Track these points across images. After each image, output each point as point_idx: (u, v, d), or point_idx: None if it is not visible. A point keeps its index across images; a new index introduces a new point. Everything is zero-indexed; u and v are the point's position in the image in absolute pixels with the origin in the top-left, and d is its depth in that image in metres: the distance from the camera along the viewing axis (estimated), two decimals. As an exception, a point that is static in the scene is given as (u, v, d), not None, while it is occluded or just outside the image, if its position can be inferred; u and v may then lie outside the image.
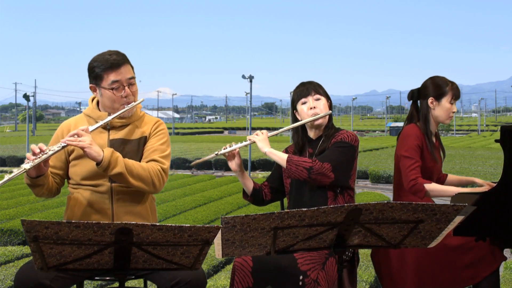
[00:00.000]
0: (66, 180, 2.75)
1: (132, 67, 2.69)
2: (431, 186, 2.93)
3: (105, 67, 2.61)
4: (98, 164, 2.46)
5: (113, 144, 2.65)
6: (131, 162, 2.55)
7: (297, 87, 2.94)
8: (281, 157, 2.80)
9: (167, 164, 2.66)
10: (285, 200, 3.11)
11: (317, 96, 2.87)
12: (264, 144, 2.83)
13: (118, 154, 2.52)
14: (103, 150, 2.48)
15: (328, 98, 2.91)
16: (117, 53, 2.67)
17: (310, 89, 2.88)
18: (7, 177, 2.28)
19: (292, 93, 2.97)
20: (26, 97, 20.37)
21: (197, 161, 2.90)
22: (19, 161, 20.96)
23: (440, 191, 2.94)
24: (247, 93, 27.32)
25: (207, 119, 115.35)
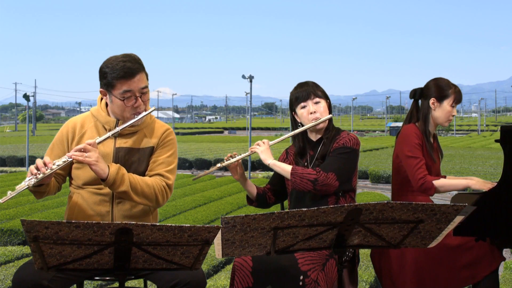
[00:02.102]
0: (68, 177, 2.72)
1: (147, 74, 2.56)
2: (440, 182, 2.93)
3: (118, 75, 2.47)
4: (103, 180, 2.44)
5: (119, 151, 2.58)
6: (136, 180, 2.50)
7: (295, 89, 2.90)
8: (285, 169, 2.79)
9: (172, 179, 2.62)
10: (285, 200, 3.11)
11: (316, 99, 2.84)
12: (266, 156, 2.83)
13: (123, 172, 2.48)
14: (109, 166, 2.44)
15: (326, 98, 2.89)
16: (132, 59, 2.51)
17: (309, 92, 2.85)
18: (10, 194, 2.27)
19: (289, 95, 2.94)
20: (26, 97, 20.34)
21: (200, 174, 2.91)
22: (19, 161, 20.93)
23: (450, 186, 2.94)
24: (247, 93, 27.31)
25: (207, 119, 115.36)
